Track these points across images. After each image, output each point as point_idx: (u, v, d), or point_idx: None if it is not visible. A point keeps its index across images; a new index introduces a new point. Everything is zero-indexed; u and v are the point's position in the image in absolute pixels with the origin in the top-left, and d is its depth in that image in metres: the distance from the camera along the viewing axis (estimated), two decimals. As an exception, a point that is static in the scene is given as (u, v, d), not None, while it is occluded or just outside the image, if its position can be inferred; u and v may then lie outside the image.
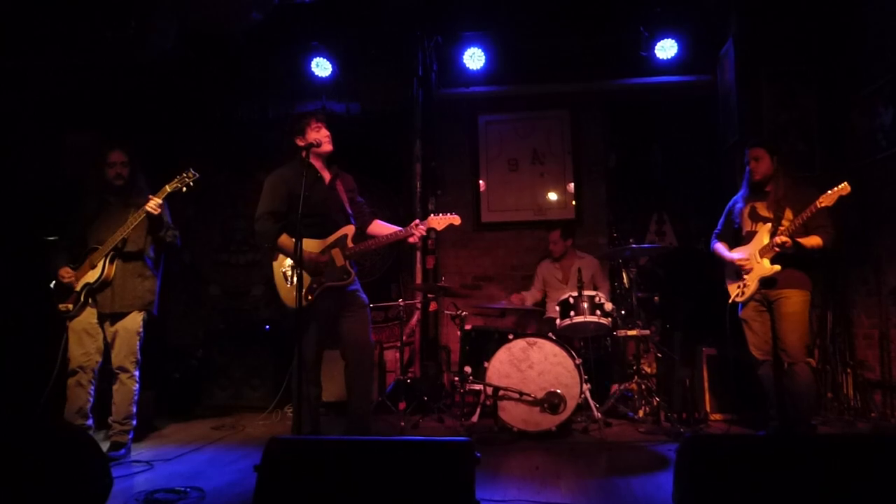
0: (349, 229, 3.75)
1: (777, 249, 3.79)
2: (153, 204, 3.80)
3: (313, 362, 3.69)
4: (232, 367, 5.66)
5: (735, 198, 4.22)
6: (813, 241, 3.79)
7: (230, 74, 6.15)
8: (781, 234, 3.80)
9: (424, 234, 3.77)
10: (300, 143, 3.75)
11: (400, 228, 3.83)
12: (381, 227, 3.96)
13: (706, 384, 4.76)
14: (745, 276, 3.98)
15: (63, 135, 5.79)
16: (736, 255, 4.05)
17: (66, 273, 3.94)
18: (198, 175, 3.89)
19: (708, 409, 4.72)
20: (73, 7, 4.68)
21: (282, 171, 3.82)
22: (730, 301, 4.07)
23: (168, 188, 3.87)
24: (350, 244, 3.73)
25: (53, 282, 3.97)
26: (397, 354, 5.43)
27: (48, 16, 4.74)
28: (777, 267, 3.83)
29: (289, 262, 3.72)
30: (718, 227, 4.30)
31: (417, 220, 3.78)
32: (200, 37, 5.47)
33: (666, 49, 5.60)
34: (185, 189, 3.89)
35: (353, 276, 3.72)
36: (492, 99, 6.48)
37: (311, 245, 3.65)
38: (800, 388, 3.84)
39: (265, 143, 6.20)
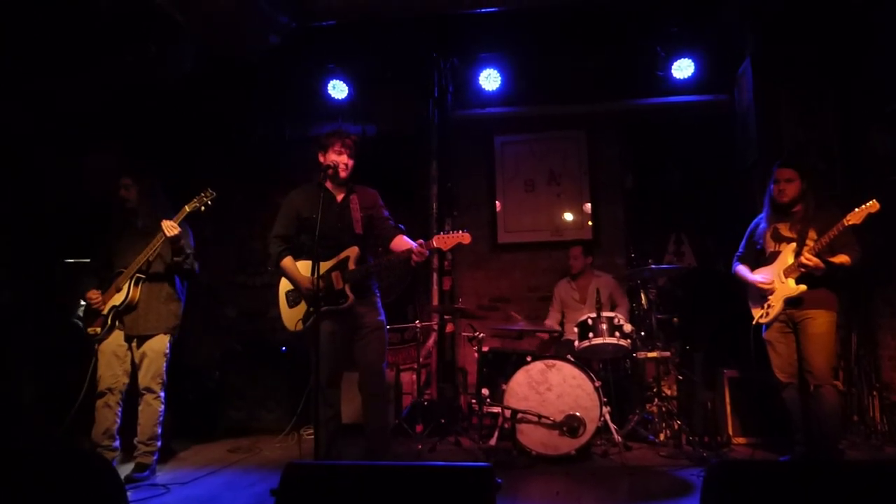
0: (352, 251, 3.66)
1: (804, 269, 3.72)
2: (167, 224, 3.81)
3: (327, 384, 3.64)
4: (248, 389, 5.62)
5: (757, 219, 4.15)
6: (841, 258, 3.72)
7: (248, 96, 6.23)
8: (808, 253, 3.72)
9: (426, 255, 3.55)
10: (321, 159, 3.74)
11: (407, 248, 3.64)
12: (403, 244, 3.75)
13: (728, 407, 4.67)
14: (770, 298, 3.90)
15: (85, 157, 5.85)
16: (759, 276, 3.97)
17: (94, 296, 3.98)
18: (215, 194, 3.90)
19: (730, 432, 4.62)
20: (94, 30, 4.74)
21: (294, 193, 3.85)
22: (754, 322, 3.99)
23: (187, 208, 3.89)
24: (352, 266, 3.65)
25: (82, 305, 3.99)
26: (414, 376, 5.37)
27: (70, 38, 4.80)
28: (803, 287, 3.75)
29: (288, 285, 3.74)
30: (740, 249, 4.23)
31: (421, 241, 3.56)
32: (219, 59, 5.53)
33: (683, 69, 5.59)
34: (203, 209, 3.90)
35: (350, 299, 3.59)
36: (508, 120, 6.48)
37: (305, 268, 3.66)
38: (826, 411, 3.74)
39: (282, 164, 6.23)
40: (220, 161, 6.46)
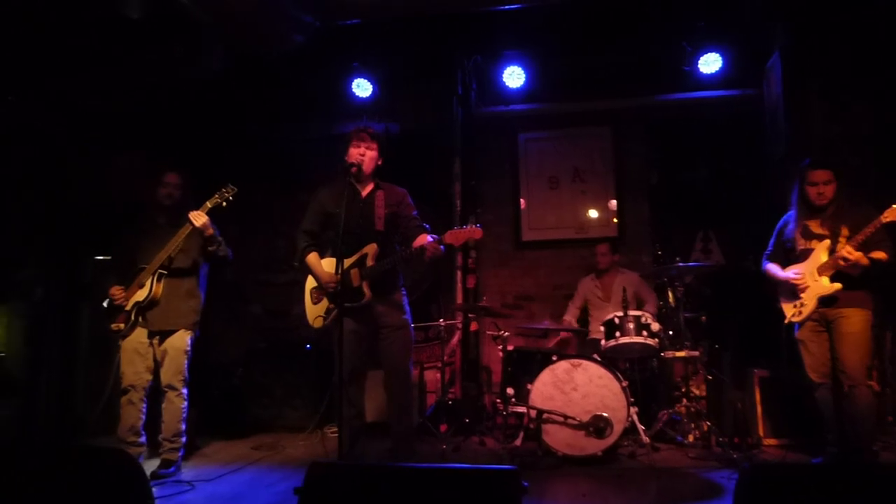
0: (371, 248, 3.64)
1: (844, 263, 3.60)
2: (195, 214, 3.82)
3: (349, 382, 3.62)
4: (273, 387, 5.63)
5: (785, 217, 4.05)
6: (879, 254, 3.61)
7: (272, 95, 6.24)
8: (850, 247, 3.60)
9: (441, 251, 3.47)
10: (346, 157, 3.73)
11: (421, 244, 3.56)
12: (422, 241, 3.66)
13: (759, 407, 4.56)
14: (802, 296, 3.79)
15: (110, 155, 5.90)
16: (790, 273, 3.87)
17: (118, 292, 3.99)
18: (236, 189, 3.92)
19: (761, 433, 4.52)
20: (121, 29, 4.77)
21: (322, 188, 3.87)
22: (786, 321, 3.89)
23: (209, 204, 3.91)
24: (370, 263, 3.62)
25: (106, 301, 4.01)
26: (438, 375, 5.34)
27: (96, 37, 4.84)
28: (838, 285, 3.65)
29: (314, 281, 3.75)
30: (770, 247, 4.13)
31: (434, 237, 3.48)
32: (243, 58, 5.54)
33: (709, 63, 5.48)
34: (224, 204, 3.91)
35: (367, 297, 3.57)
36: (532, 117, 6.43)
37: (331, 265, 3.64)
38: (860, 412, 3.64)
39: (306, 162, 6.23)
40: (245, 159, 6.48)
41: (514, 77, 5.82)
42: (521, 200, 6.42)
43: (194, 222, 3.82)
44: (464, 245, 6.16)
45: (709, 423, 4.39)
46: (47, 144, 5.35)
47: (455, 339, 5.87)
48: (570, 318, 5.52)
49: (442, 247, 3.45)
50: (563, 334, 5.30)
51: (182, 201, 4.08)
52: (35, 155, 5.28)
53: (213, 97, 5.91)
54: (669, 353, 4.53)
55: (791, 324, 3.90)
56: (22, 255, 5.10)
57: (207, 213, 3.91)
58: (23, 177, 5.22)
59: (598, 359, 4.29)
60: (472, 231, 3.49)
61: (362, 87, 5.88)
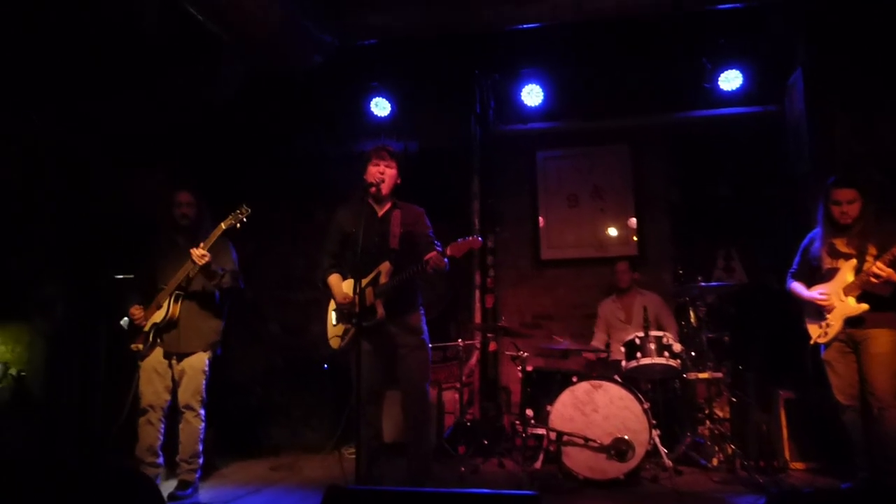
0: (384, 266, 3.63)
1: (875, 280, 3.52)
2: (197, 254, 3.77)
3: (367, 402, 3.60)
4: (291, 406, 5.63)
5: (811, 235, 3.99)
6: None
7: (292, 114, 6.28)
8: (871, 267, 3.53)
9: (442, 264, 3.44)
10: (365, 176, 3.74)
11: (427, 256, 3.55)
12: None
13: (785, 430, 4.47)
14: (828, 316, 3.72)
15: (134, 174, 5.97)
16: (816, 293, 3.80)
17: (137, 312, 4.00)
18: (250, 210, 3.88)
19: (787, 456, 4.42)
20: (144, 50, 4.85)
21: (340, 208, 3.89)
22: (811, 342, 3.82)
23: (223, 225, 3.89)
24: (383, 280, 3.62)
25: (125, 320, 4.02)
26: (456, 395, 5.30)
27: (121, 60, 4.92)
28: (865, 306, 3.57)
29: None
30: (794, 266, 4.07)
31: (434, 252, 3.50)
32: (263, 77, 5.60)
33: (730, 80, 5.45)
34: (238, 225, 3.89)
35: (380, 315, 3.57)
36: (550, 135, 6.41)
37: (350, 286, 3.65)
38: (890, 434, 3.55)
39: (325, 180, 6.24)
40: (263, 177, 6.51)
41: (532, 95, 5.82)
42: (540, 219, 6.39)
43: (196, 262, 3.79)
44: (482, 263, 6.16)
45: (733, 447, 4.31)
46: (69, 163, 5.42)
47: (473, 359, 5.83)
48: (599, 343, 5.45)
49: (445, 259, 3.45)
50: (586, 355, 5.24)
51: (198, 220, 4.09)
52: (57, 174, 5.35)
53: (234, 115, 5.96)
54: (692, 375, 4.47)
55: (817, 344, 3.82)
56: (43, 274, 5.15)
57: (223, 234, 3.90)
58: (44, 195, 5.29)
59: (619, 380, 4.23)
60: (472, 241, 3.46)
61: (381, 106, 5.92)
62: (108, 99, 5.31)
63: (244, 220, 3.89)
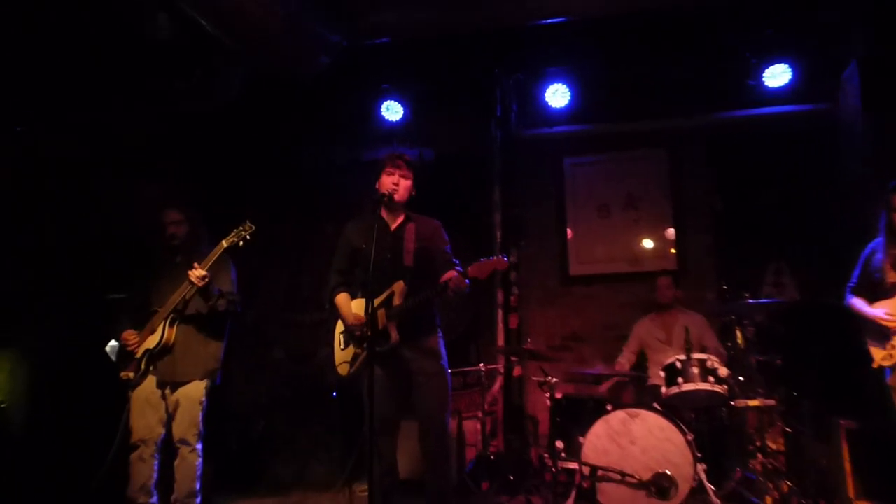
0: (398, 286, 3.59)
1: None
2: (195, 275, 3.77)
3: (380, 434, 3.56)
4: (296, 439, 5.61)
5: (872, 245, 3.92)
6: None
7: (296, 121, 6.32)
8: None
9: (464, 286, 3.40)
10: (377, 186, 3.73)
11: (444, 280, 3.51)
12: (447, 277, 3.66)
13: (847, 464, 4.34)
14: (894, 337, 3.62)
15: (129, 187, 6.02)
16: (879, 311, 3.72)
17: (130, 337, 4.01)
18: (254, 227, 3.87)
19: (851, 494, 4.28)
20: (139, 57, 4.89)
21: (350, 222, 3.88)
22: (874, 365, 3.73)
23: (224, 243, 3.88)
24: (397, 302, 3.58)
25: (112, 345, 4.02)
26: (478, 426, 5.25)
27: (113, 67, 4.97)
28: (934, 325, 3.47)
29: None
30: (853, 279, 4.00)
31: (453, 272, 3.43)
32: (266, 82, 5.63)
33: (777, 76, 5.40)
34: (241, 243, 3.88)
35: (393, 340, 3.53)
36: (578, 139, 6.40)
37: (360, 307, 3.63)
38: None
39: (332, 191, 6.27)
40: (268, 189, 6.55)
41: (558, 96, 5.79)
42: (568, 231, 6.36)
43: (195, 283, 3.78)
44: (505, 280, 6.12)
45: (789, 483, 4.22)
46: (59, 175, 5.47)
47: (497, 386, 5.78)
48: (625, 362, 5.43)
49: (467, 280, 3.40)
50: (617, 378, 5.18)
51: (191, 238, 4.09)
52: (44, 186, 5.40)
53: (235, 123, 6.00)
54: (740, 402, 4.40)
55: (881, 368, 3.73)
56: (27, 294, 5.17)
57: (225, 251, 3.90)
58: (30, 208, 5.33)
59: (659, 408, 4.20)
60: (498, 262, 3.41)
61: (392, 110, 5.94)
62: (101, 107, 5.37)
63: (248, 237, 3.88)
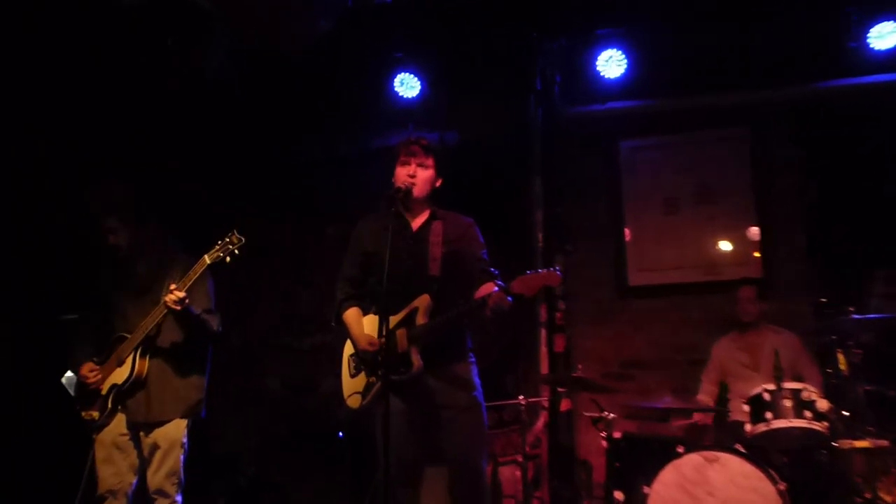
0: (421, 301, 3.59)
1: None
2: (172, 298, 3.80)
3: (399, 483, 3.59)
4: (294, 489, 5.66)
5: None
6: None
7: (291, 103, 6.37)
8: None
9: (505, 304, 3.39)
10: (394, 183, 3.73)
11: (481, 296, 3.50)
12: (484, 292, 3.62)
13: (980, 521, 4.33)
14: None
15: (88, 187, 6.11)
16: None
17: (90, 372, 4.05)
18: (243, 240, 3.89)
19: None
20: (98, 29, 4.97)
21: (362, 222, 3.90)
22: None
23: (207, 259, 3.89)
24: (420, 321, 3.58)
25: (68, 377, 4.09)
26: (518, 473, 5.25)
27: (66, 42, 5.05)
28: None
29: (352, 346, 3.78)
30: None
31: (494, 285, 3.41)
32: (254, 58, 5.69)
33: (885, 36, 5.39)
34: (228, 259, 3.89)
35: (416, 367, 3.52)
36: (638, 117, 6.45)
37: (373, 325, 3.64)
38: None
39: (336, 187, 6.32)
40: (258, 188, 6.62)
41: (612, 64, 5.81)
42: (626, 231, 6.39)
43: (169, 305, 3.81)
44: (548, 294, 6.13)
45: (906, 545, 4.20)
46: (10, 172, 5.56)
47: (540, 424, 5.83)
48: (707, 397, 5.43)
49: (509, 298, 3.39)
50: (695, 416, 5.19)
51: (135, 248, 4.11)
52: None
53: (217, 110, 6.09)
54: (845, 443, 4.38)
55: None
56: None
57: (209, 267, 3.92)
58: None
59: (743, 450, 4.22)
60: (549, 276, 3.39)
61: (408, 85, 5.99)
62: (49, 89, 5.43)
63: (236, 251, 3.88)
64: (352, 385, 3.75)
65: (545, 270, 3.40)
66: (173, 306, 3.81)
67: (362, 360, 3.70)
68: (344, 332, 3.80)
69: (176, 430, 4.04)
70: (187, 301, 3.85)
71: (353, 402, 3.71)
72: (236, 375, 6.53)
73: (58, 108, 5.58)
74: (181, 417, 4.06)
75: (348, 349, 3.82)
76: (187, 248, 4.16)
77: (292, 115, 6.43)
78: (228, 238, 3.90)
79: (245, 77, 5.87)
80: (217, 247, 3.90)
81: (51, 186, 5.75)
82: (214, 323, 4.15)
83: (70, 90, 5.45)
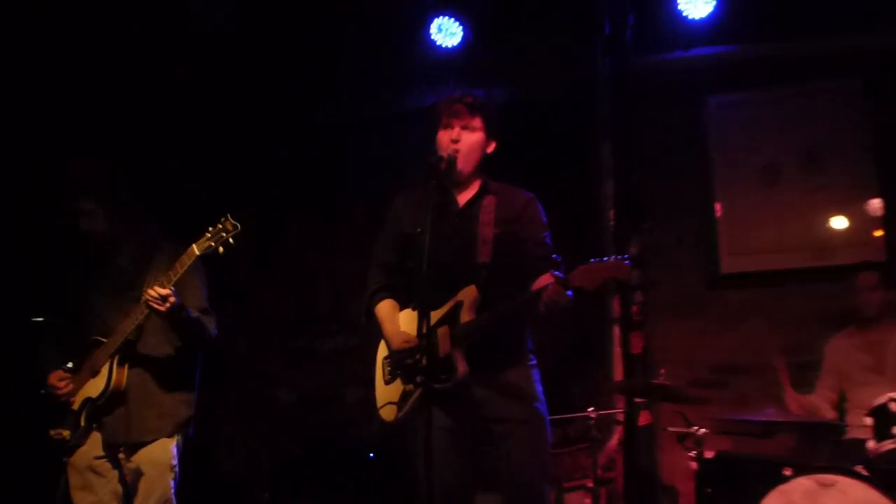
0: (467, 294, 3.55)
1: None
2: (153, 295, 3.74)
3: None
4: (315, 521, 5.65)
5: None
6: None
7: (304, 58, 6.38)
8: None
9: (564, 299, 3.34)
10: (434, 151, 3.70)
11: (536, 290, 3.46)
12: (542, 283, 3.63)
13: None
14: None
15: (62, 164, 6.13)
16: None
17: (60, 382, 4.05)
18: (239, 227, 3.79)
19: None
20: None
21: (400, 197, 3.90)
22: None
23: (197, 250, 3.79)
24: (466, 317, 3.54)
25: (42, 392, 4.08)
26: (587, 500, 5.24)
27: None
28: None
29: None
30: None
31: (551, 276, 3.32)
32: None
33: None
34: (221, 248, 3.80)
35: (461, 373, 3.48)
36: (729, 67, 6.41)
37: (409, 320, 3.61)
38: None
39: (363, 159, 6.27)
40: (266, 162, 6.60)
41: (697, 2, 5.73)
42: (717, 206, 6.33)
43: (151, 304, 3.74)
44: (622, 284, 6.03)
45: None
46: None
47: (614, 442, 5.83)
48: (822, 402, 5.34)
49: (569, 292, 3.33)
50: (791, 408, 5.22)
51: (115, 234, 4.10)
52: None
53: (215, 67, 6.09)
54: None
55: None
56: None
57: (199, 258, 3.85)
58: None
59: (865, 472, 4.17)
60: (615, 266, 3.30)
61: (448, 32, 5.97)
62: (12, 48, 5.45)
63: (231, 240, 3.78)
64: (386, 393, 3.71)
65: (612, 259, 3.30)
66: (155, 305, 3.73)
67: (397, 364, 3.65)
68: (376, 330, 3.76)
69: (163, 452, 4.00)
70: (173, 299, 3.76)
71: (388, 413, 3.68)
72: (244, 387, 6.54)
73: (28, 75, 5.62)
74: (169, 436, 4.02)
75: (382, 350, 3.81)
76: (178, 237, 4.06)
77: (306, 71, 6.43)
78: (221, 224, 3.78)
79: (250, 29, 5.86)
80: (207, 235, 3.78)
81: (16, 166, 5.76)
82: (209, 326, 4.11)
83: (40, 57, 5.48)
